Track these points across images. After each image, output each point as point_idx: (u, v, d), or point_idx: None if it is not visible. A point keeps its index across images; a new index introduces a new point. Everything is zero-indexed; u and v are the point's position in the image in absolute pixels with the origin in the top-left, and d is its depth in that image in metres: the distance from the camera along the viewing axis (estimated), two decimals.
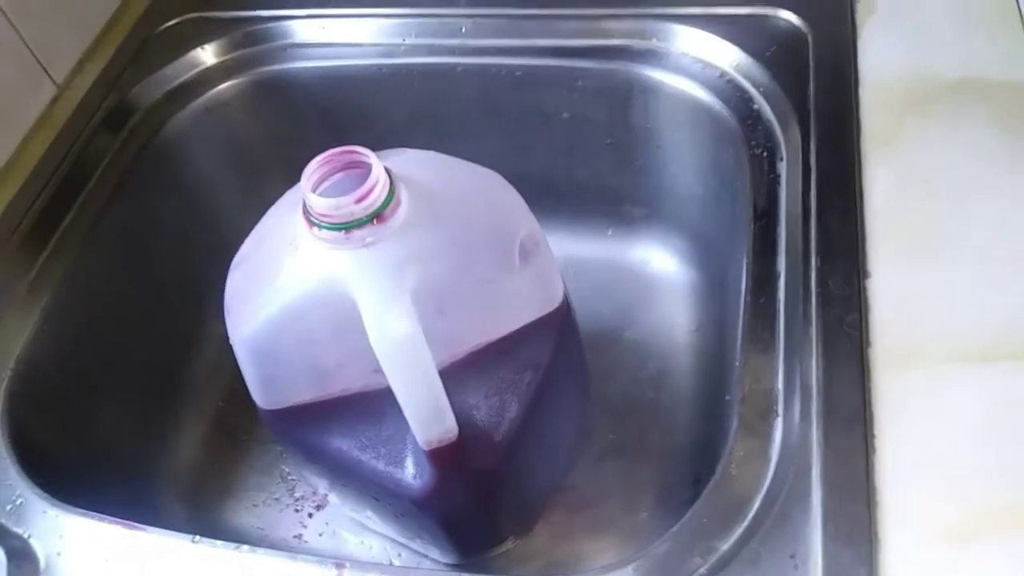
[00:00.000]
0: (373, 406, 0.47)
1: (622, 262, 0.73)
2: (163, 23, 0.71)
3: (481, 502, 0.52)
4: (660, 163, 0.68)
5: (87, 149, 0.63)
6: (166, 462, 0.65)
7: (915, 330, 0.45)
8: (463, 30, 0.67)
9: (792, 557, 0.39)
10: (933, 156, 0.52)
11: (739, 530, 0.40)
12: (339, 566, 0.41)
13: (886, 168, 0.52)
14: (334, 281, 0.40)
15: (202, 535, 0.43)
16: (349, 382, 0.47)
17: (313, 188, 0.40)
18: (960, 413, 0.42)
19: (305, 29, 0.69)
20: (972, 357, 0.44)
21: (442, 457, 0.45)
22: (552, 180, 0.71)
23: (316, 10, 0.69)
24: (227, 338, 0.46)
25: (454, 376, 0.45)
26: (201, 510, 0.64)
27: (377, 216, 0.39)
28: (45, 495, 0.46)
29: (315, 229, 0.39)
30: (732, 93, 0.60)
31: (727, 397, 0.51)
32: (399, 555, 0.60)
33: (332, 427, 0.48)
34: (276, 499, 0.64)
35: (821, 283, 0.48)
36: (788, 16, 0.62)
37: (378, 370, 0.41)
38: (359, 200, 0.38)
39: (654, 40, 0.64)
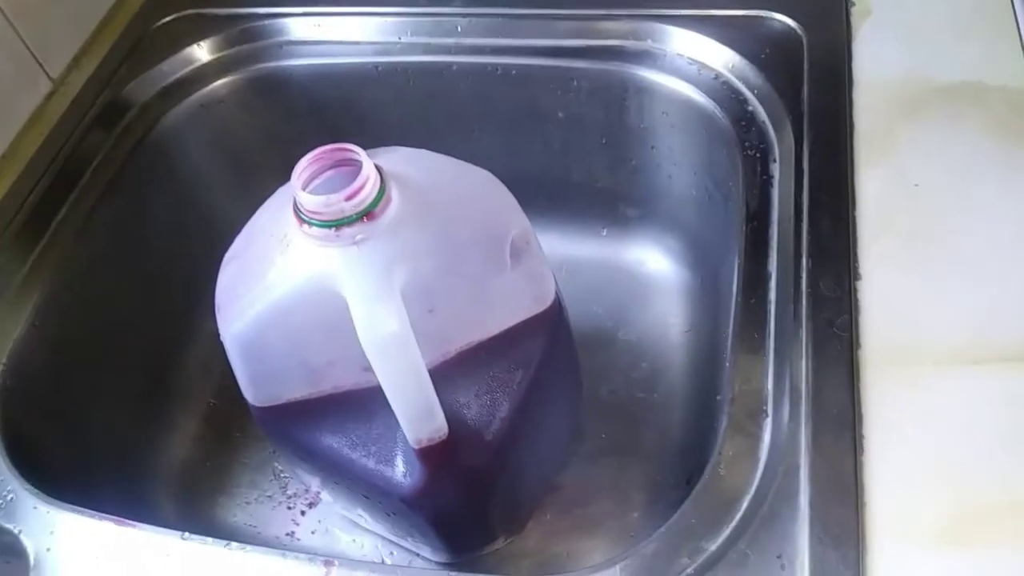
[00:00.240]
0: (364, 404, 0.47)
1: (616, 262, 0.73)
2: (159, 20, 0.71)
3: (472, 501, 0.52)
4: (654, 164, 0.68)
5: (81, 145, 0.63)
6: (158, 458, 0.65)
7: (905, 332, 0.45)
8: (459, 29, 0.67)
9: (779, 558, 0.39)
10: (926, 160, 0.52)
11: (727, 530, 0.40)
12: (328, 564, 0.41)
13: (879, 171, 0.52)
14: (324, 278, 0.40)
15: (194, 532, 0.43)
16: (339, 380, 0.47)
17: (303, 185, 0.40)
18: (948, 415, 0.42)
19: (300, 27, 0.69)
20: (961, 359, 0.44)
21: (432, 456, 0.45)
22: (547, 180, 0.71)
23: (311, 8, 0.69)
24: (219, 335, 0.46)
25: (444, 374, 0.45)
26: (193, 507, 0.64)
27: (367, 214, 0.39)
28: (36, 491, 0.46)
29: (305, 226, 0.39)
30: (726, 94, 0.60)
31: (718, 397, 0.51)
32: (391, 553, 0.60)
33: (322, 425, 0.48)
34: (269, 496, 0.64)
35: (812, 284, 0.48)
36: (783, 18, 0.62)
37: (368, 368, 0.41)
38: (349, 197, 0.38)
39: (649, 41, 0.64)
